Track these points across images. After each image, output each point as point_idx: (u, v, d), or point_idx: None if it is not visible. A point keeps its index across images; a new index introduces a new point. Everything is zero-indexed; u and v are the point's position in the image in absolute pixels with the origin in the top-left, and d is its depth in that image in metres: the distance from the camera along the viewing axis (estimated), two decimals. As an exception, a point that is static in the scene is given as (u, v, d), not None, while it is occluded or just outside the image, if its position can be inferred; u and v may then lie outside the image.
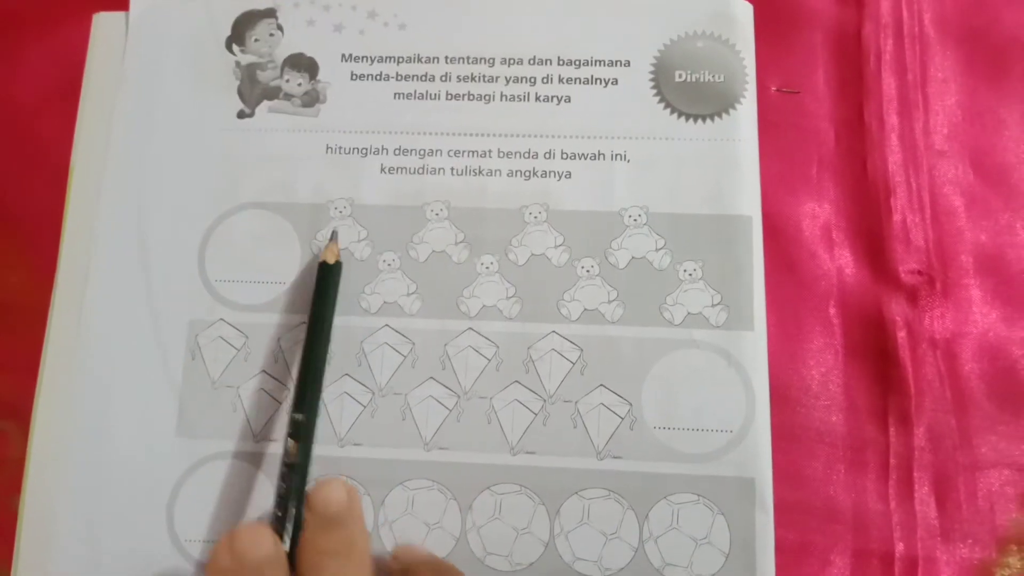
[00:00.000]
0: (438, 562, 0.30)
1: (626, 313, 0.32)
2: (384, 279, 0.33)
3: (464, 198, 0.33)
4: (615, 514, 0.31)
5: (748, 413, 0.31)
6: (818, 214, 0.34)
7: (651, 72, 0.34)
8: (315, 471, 0.31)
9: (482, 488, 0.31)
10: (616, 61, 0.34)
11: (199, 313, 0.33)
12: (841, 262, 0.33)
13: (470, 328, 0.32)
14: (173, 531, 0.31)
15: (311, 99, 0.35)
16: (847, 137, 0.34)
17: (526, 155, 0.34)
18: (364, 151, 0.34)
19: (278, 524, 0.28)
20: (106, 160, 0.34)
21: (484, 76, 0.35)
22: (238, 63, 0.35)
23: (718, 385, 0.31)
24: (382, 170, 0.34)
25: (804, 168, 0.34)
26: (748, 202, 0.33)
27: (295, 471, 0.29)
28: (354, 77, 0.35)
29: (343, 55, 0.35)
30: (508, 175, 0.34)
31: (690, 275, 0.32)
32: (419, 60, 0.35)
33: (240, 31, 0.35)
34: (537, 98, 0.34)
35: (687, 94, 0.34)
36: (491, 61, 0.35)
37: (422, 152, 0.34)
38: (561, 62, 0.35)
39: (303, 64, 0.35)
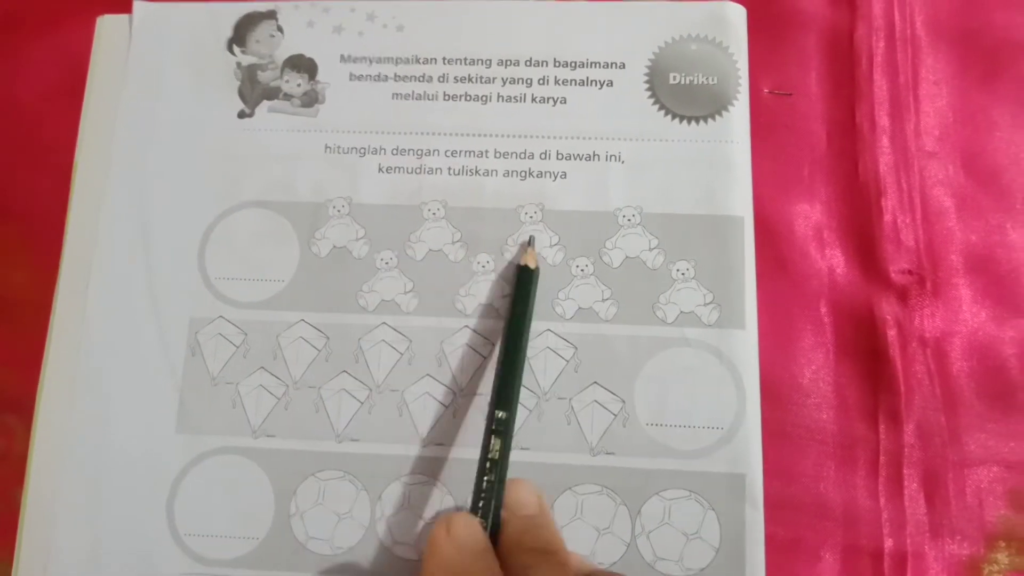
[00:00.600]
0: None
1: (620, 312, 0.33)
2: (382, 277, 0.33)
3: (461, 198, 0.34)
4: (608, 509, 0.31)
5: (739, 410, 0.32)
6: (810, 214, 0.34)
7: (646, 74, 0.35)
8: (306, 466, 0.32)
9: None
10: (611, 63, 0.35)
11: (199, 311, 0.33)
12: (832, 262, 0.34)
13: (466, 326, 0.33)
14: (173, 525, 0.32)
15: (310, 99, 0.35)
16: (839, 138, 0.35)
17: (522, 155, 0.34)
18: (362, 151, 0.35)
19: (481, 517, 0.27)
20: (109, 159, 0.35)
21: (481, 77, 0.35)
22: (239, 64, 0.36)
23: (710, 383, 0.32)
24: (380, 169, 0.34)
25: (796, 169, 0.34)
26: (740, 203, 0.33)
27: (497, 467, 0.28)
28: (353, 78, 0.35)
29: (342, 56, 0.36)
30: (504, 175, 0.34)
31: (683, 274, 0.33)
32: (417, 61, 0.35)
33: (241, 33, 0.36)
34: (533, 99, 0.35)
35: (681, 96, 0.34)
36: (488, 63, 0.35)
37: (419, 152, 0.34)
38: (557, 64, 0.35)
39: (303, 65, 0.36)
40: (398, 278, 0.33)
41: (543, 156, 0.34)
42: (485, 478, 0.28)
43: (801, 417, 0.32)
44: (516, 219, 0.34)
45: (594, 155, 0.34)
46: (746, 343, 0.32)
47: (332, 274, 0.33)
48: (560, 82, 0.35)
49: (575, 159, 0.34)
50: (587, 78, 0.35)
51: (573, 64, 0.35)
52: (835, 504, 0.32)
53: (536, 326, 0.33)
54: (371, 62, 0.35)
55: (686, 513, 0.31)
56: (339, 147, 0.35)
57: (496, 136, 0.34)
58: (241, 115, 0.35)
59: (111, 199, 0.35)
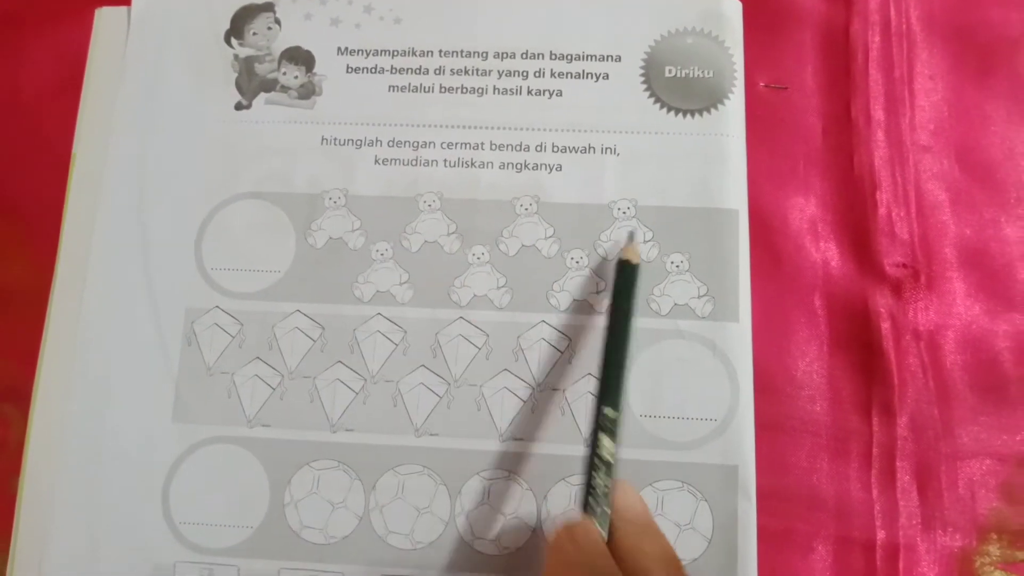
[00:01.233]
0: None
1: (614, 303, 0.33)
2: (377, 268, 0.34)
3: (456, 189, 0.34)
4: (601, 500, 0.31)
5: (732, 402, 0.32)
6: (804, 207, 0.34)
7: (641, 67, 0.35)
8: (301, 455, 0.32)
9: (471, 474, 0.32)
10: (607, 56, 0.35)
11: (195, 301, 0.34)
12: (827, 255, 0.34)
13: (461, 317, 0.33)
14: (169, 514, 0.32)
15: (307, 91, 0.35)
16: (834, 132, 0.35)
17: (518, 148, 0.34)
18: (359, 143, 0.35)
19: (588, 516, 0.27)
20: (107, 150, 0.35)
21: (477, 70, 0.35)
22: (236, 56, 0.36)
23: (703, 375, 0.32)
24: (376, 161, 0.35)
25: (791, 162, 0.35)
26: (735, 196, 0.33)
27: (611, 468, 0.27)
28: (350, 70, 0.36)
29: (339, 48, 0.36)
30: (500, 167, 0.34)
31: (677, 267, 0.33)
32: (414, 54, 0.36)
33: (239, 25, 0.36)
34: (529, 92, 0.35)
35: (676, 89, 0.35)
36: (484, 55, 0.35)
37: (415, 144, 0.35)
38: (553, 57, 0.35)
39: (300, 57, 0.36)
40: (393, 269, 0.34)
41: (539, 148, 0.34)
42: (599, 480, 0.27)
43: (794, 409, 0.32)
44: (511, 211, 0.34)
45: (589, 148, 0.34)
46: (740, 335, 0.32)
47: (328, 265, 0.34)
48: (556, 75, 0.35)
49: (570, 152, 0.34)
50: (583, 71, 0.35)
51: (569, 57, 0.35)
52: (828, 496, 0.32)
53: (531, 317, 0.33)
54: (368, 54, 0.36)
55: (679, 504, 0.31)
56: (336, 139, 0.35)
57: (492, 128, 0.35)
58: (238, 107, 0.35)
59: (109, 190, 0.35)
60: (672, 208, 0.33)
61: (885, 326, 0.33)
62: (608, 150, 0.34)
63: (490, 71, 0.35)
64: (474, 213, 0.34)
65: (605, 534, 0.26)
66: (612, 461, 0.27)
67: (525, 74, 0.35)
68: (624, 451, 0.31)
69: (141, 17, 0.36)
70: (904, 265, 0.33)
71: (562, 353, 0.32)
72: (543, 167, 0.34)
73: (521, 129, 0.35)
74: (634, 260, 0.31)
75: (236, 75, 0.36)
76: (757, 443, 0.32)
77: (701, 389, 0.32)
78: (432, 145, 0.35)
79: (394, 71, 0.35)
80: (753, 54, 0.35)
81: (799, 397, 0.33)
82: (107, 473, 0.32)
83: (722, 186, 0.33)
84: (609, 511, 0.26)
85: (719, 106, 0.34)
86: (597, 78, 0.35)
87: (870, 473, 0.32)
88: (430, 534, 0.31)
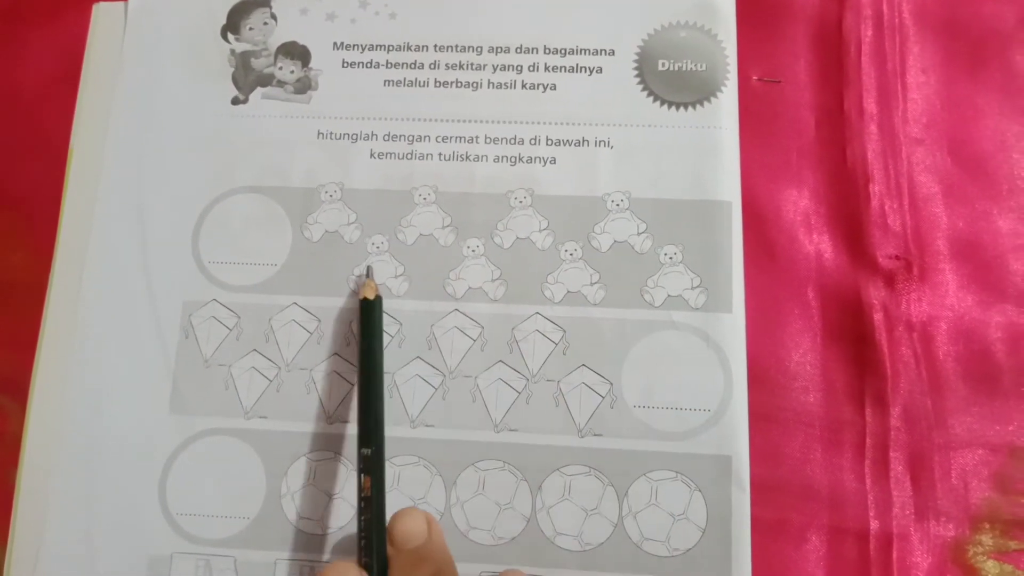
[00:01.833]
0: None
1: (608, 295, 0.33)
2: (373, 261, 0.34)
3: (451, 183, 0.34)
4: (595, 490, 0.31)
5: (726, 393, 0.32)
6: (798, 200, 0.34)
7: (635, 61, 0.35)
8: (298, 447, 0.32)
9: (466, 464, 0.32)
10: (601, 50, 0.35)
11: (193, 294, 0.34)
12: (820, 247, 0.34)
13: (456, 309, 0.33)
14: (165, 505, 0.32)
15: (303, 86, 0.36)
16: (827, 125, 0.35)
17: (512, 141, 0.35)
18: (354, 137, 0.35)
19: (365, 558, 0.28)
20: (104, 145, 0.35)
21: (472, 64, 0.35)
22: (233, 51, 0.36)
23: (697, 366, 0.32)
24: (372, 155, 0.35)
25: (784, 155, 0.35)
26: (728, 188, 0.34)
27: (370, 504, 0.28)
28: (345, 65, 0.36)
29: (335, 43, 0.36)
30: (494, 160, 0.34)
31: (670, 258, 0.33)
32: (409, 48, 0.36)
33: (235, 20, 0.36)
34: (523, 86, 0.35)
35: (670, 82, 0.35)
36: (479, 49, 0.36)
37: (411, 138, 0.35)
38: (547, 51, 0.35)
39: (296, 52, 0.36)
40: (389, 262, 0.34)
41: (533, 142, 0.35)
42: (362, 517, 0.28)
43: (788, 400, 0.33)
44: (506, 204, 0.34)
45: (583, 141, 0.34)
46: (733, 327, 0.32)
47: (324, 258, 0.34)
48: (550, 69, 0.35)
49: (564, 145, 0.34)
50: (577, 65, 0.35)
51: (563, 51, 0.35)
52: (821, 486, 0.32)
53: (525, 309, 0.33)
54: (363, 49, 0.36)
55: (673, 494, 0.31)
56: (331, 133, 0.35)
57: (486, 122, 0.35)
58: (235, 101, 0.36)
59: (107, 184, 0.35)
60: (666, 200, 0.34)
61: (878, 317, 0.33)
62: (602, 143, 0.34)
63: (485, 65, 0.35)
64: (469, 206, 0.34)
65: (376, 572, 0.27)
66: (373, 497, 0.28)
67: (519, 68, 0.35)
68: (618, 442, 0.32)
69: (138, 12, 0.37)
70: (897, 257, 0.34)
71: (556, 344, 0.33)
72: (537, 160, 0.34)
73: (515, 123, 0.35)
74: (371, 296, 0.32)
75: (232, 70, 0.36)
76: (751, 434, 0.32)
77: (695, 380, 0.32)
78: (427, 139, 0.35)
79: (389, 66, 0.36)
80: (746, 48, 0.35)
81: (792, 388, 0.33)
82: (104, 464, 0.33)
83: (715, 178, 0.34)
84: (386, 546, 0.27)
85: (712, 99, 0.34)
86: (591, 72, 0.35)
87: (863, 463, 0.32)
88: (425, 525, 0.32)
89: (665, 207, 0.34)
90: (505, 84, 0.35)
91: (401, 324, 0.33)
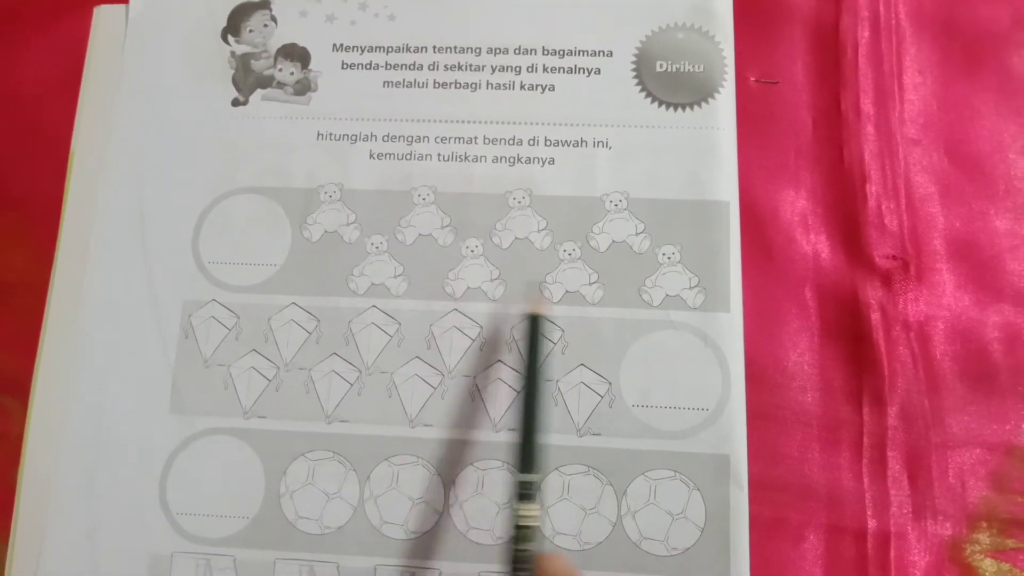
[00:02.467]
0: None
1: (606, 295, 0.33)
2: (372, 261, 0.34)
3: (450, 183, 0.35)
4: (594, 489, 0.32)
5: (724, 392, 0.32)
6: (795, 200, 0.35)
7: (633, 62, 0.35)
8: (297, 446, 0.32)
9: (465, 464, 0.32)
10: (599, 51, 0.35)
11: (193, 294, 0.34)
12: (817, 247, 0.34)
13: (455, 309, 0.33)
14: (166, 504, 0.32)
15: (303, 87, 0.36)
16: (824, 126, 0.35)
17: (511, 142, 0.35)
18: (354, 137, 0.35)
19: None
20: (106, 146, 0.35)
21: (471, 65, 0.36)
22: (233, 53, 0.36)
23: (695, 365, 0.32)
24: (371, 156, 0.35)
25: (782, 156, 0.35)
26: (725, 188, 0.34)
27: (532, 535, 0.27)
28: (345, 66, 0.36)
29: (334, 45, 0.36)
30: (493, 161, 0.35)
31: (668, 258, 0.33)
32: (408, 50, 0.36)
33: (235, 22, 0.37)
34: (522, 87, 0.35)
35: (667, 84, 0.35)
36: (477, 51, 0.36)
37: (410, 139, 0.35)
38: (546, 52, 0.36)
39: (296, 54, 0.36)
40: (388, 262, 0.34)
41: (531, 142, 0.35)
42: (520, 547, 0.27)
43: (786, 399, 0.33)
44: (504, 204, 0.34)
45: (581, 141, 0.35)
46: (731, 326, 0.33)
47: (323, 258, 0.34)
48: (548, 70, 0.35)
49: (563, 145, 0.35)
50: (575, 66, 0.35)
51: (561, 52, 0.35)
52: (819, 485, 0.32)
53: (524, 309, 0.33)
54: (363, 51, 0.36)
55: (671, 493, 0.31)
56: (331, 134, 0.35)
57: (485, 123, 0.35)
58: (235, 103, 0.36)
59: (108, 185, 0.35)
60: (663, 200, 0.34)
61: (875, 317, 0.33)
62: (600, 143, 0.35)
63: (483, 66, 0.36)
64: (467, 206, 0.34)
65: None
66: (534, 526, 0.27)
67: (518, 69, 0.35)
68: (617, 441, 0.32)
69: (139, 15, 0.37)
70: (894, 257, 0.34)
71: (555, 344, 0.33)
72: (536, 161, 0.35)
73: (514, 123, 0.35)
74: (541, 312, 0.31)
75: (233, 72, 0.36)
76: (749, 433, 0.32)
77: (693, 379, 0.32)
78: (426, 139, 0.35)
79: (388, 67, 0.36)
80: (744, 49, 0.35)
81: (790, 387, 0.33)
82: (105, 464, 0.33)
83: (713, 178, 0.34)
84: None
85: (710, 100, 0.35)
86: (589, 73, 0.35)
87: (861, 462, 0.32)
88: (424, 524, 0.32)
89: (663, 207, 0.34)
90: (504, 85, 0.35)
91: (400, 324, 0.33)
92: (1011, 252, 0.34)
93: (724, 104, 0.35)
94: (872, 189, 0.34)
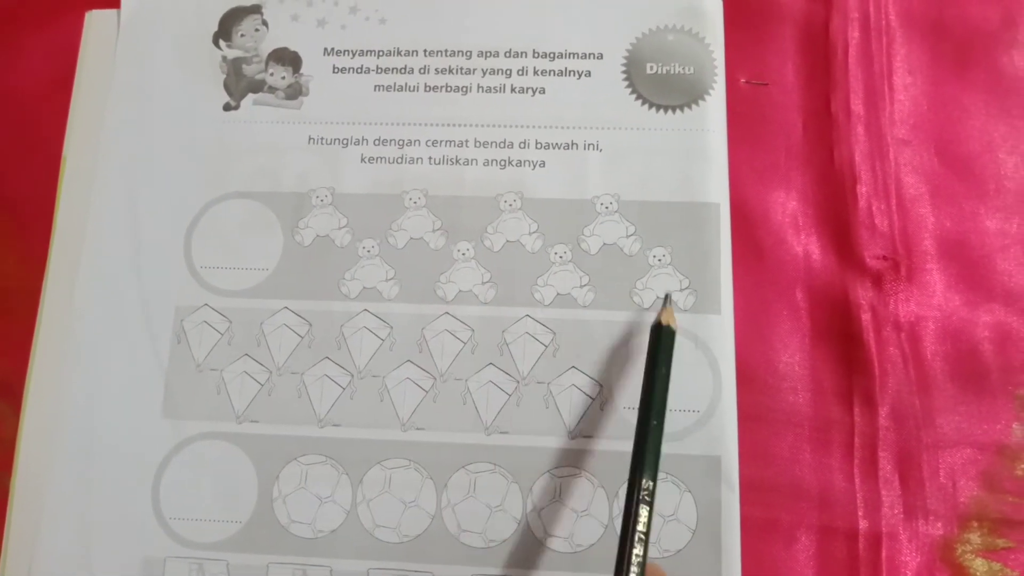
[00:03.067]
0: None
1: (597, 297, 0.33)
2: (363, 265, 0.34)
3: (441, 186, 0.35)
4: (586, 492, 0.32)
5: (715, 394, 0.32)
6: (786, 201, 0.35)
7: (623, 64, 0.35)
8: (289, 450, 0.32)
9: (457, 467, 0.32)
10: (589, 54, 0.35)
11: (185, 299, 0.34)
12: (808, 248, 0.34)
13: (447, 312, 0.33)
14: (158, 508, 0.32)
15: (294, 92, 0.36)
16: (814, 127, 0.35)
17: (502, 145, 0.35)
18: (345, 141, 0.35)
19: None
20: (98, 151, 0.36)
21: (461, 69, 0.36)
22: (224, 57, 0.36)
23: (686, 366, 0.32)
24: (362, 160, 0.35)
25: (772, 157, 0.35)
26: (716, 190, 0.34)
27: (647, 540, 0.27)
28: (336, 70, 0.36)
29: (325, 49, 0.36)
30: (484, 164, 0.35)
31: (659, 260, 0.33)
32: (399, 54, 0.36)
33: (227, 27, 0.37)
34: (513, 90, 0.35)
35: (658, 86, 0.35)
36: (468, 54, 0.36)
37: (401, 142, 0.35)
38: (536, 55, 0.36)
39: (287, 58, 0.36)
40: (380, 266, 0.34)
41: (522, 145, 0.35)
42: (635, 552, 0.26)
43: (777, 400, 0.33)
44: (496, 207, 0.34)
45: (572, 144, 0.35)
46: (722, 328, 0.33)
47: (315, 262, 0.34)
48: (539, 72, 0.35)
49: (554, 148, 0.35)
50: (565, 68, 0.35)
51: (552, 55, 0.36)
52: (810, 486, 0.32)
53: (515, 312, 0.33)
54: (354, 55, 0.36)
55: (663, 495, 0.31)
56: (322, 138, 0.35)
57: (476, 126, 0.35)
58: (227, 107, 0.36)
59: (100, 189, 0.35)
60: (654, 203, 0.34)
61: (866, 318, 0.33)
62: (591, 146, 0.35)
63: (474, 70, 0.36)
64: (459, 209, 0.34)
65: None
66: (648, 532, 0.27)
67: (509, 72, 0.36)
68: (607, 443, 0.32)
69: (131, 19, 0.37)
70: (884, 257, 0.34)
71: (546, 347, 0.33)
72: (527, 164, 0.35)
73: (505, 126, 0.35)
74: (672, 325, 0.30)
75: (224, 76, 0.36)
76: (740, 434, 0.32)
77: (683, 380, 0.32)
78: (417, 143, 0.35)
79: (379, 71, 0.36)
80: (734, 51, 0.35)
81: (781, 388, 0.33)
82: (98, 469, 0.33)
83: (703, 180, 0.34)
84: None
85: (700, 102, 0.35)
86: (580, 75, 0.35)
87: (852, 463, 0.32)
88: (417, 528, 0.32)
89: (654, 209, 0.34)
90: (494, 88, 0.35)
91: (392, 327, 0.33)
92: (1001, 252, 0.34)
93: (714, 106, 0.35)
94: (862, 190, 0.34)
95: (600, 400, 0.32)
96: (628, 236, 0.34)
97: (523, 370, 0.33)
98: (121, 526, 0.32)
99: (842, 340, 0.33)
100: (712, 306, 0.33)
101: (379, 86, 0.36)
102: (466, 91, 0.35)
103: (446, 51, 0.36)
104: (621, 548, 0.27)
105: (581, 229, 0.34)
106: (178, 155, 0.35)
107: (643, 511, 0.27)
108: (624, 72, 0.35)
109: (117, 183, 0.35)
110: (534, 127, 0.35)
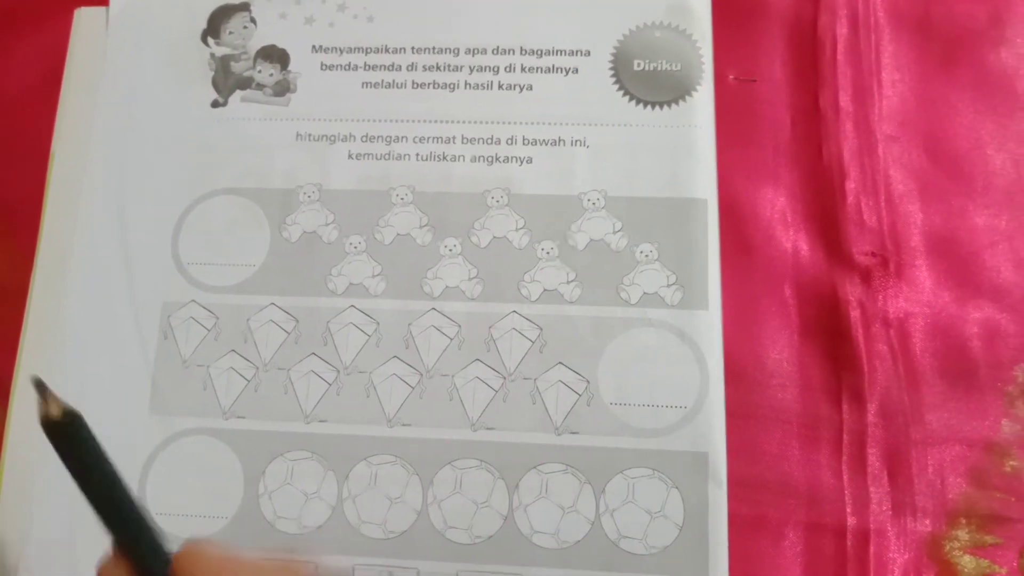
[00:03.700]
0: None
1: (584, 293, 0.33)
2: (350, 261, 0.34)
3: (429, 183, 0.35)
4: (572, 488, 0.31)
5: (702, 390, 0.32)
6: (774, 198, 0.35)
7: (610, 61, 0.35)
8: (275, 446, 0.32)
9: (443, 463, 0.32)
10: (576, 51, 0.36)
11: (172, 295, 0.34)
12: (796, 244, 0.34)
13: (433, 308, 0.33)
14: (145, 504, 0.32)
15: (282, 89, 0.36)
16: (803, 123, 0.35)
17: (489, 141, 0.35)
18: (332, 138, 0.35)
19: None
20: (86, 147, 0.36)
21: (449, 66, 0.36)
22: (213, 55, 0.37)
23: (673, 362, 0.32)
24: (350, 156, 0.35)
25: (761, 154, 0.35)
26: (703, 186, 0.34)
27: None
28: (324, 68, 0.36)
29: (313, 46, 0.36)
30: (471, 160, 0.35)
31: (646, 256, 0.33)
32: (386, 51, 0.36)
33: (215, 24, 0.37)
34: (500, 86, 0.35)
35: (645, 82, 0.35)
36: (456, 51, 0.36)
37: (388, 139, 0.35)
38: (523, 52, 0.36)
39: (275, 55, 0.36)
40: (366, 262, 0.34)
41: (509, 142, 0.35)
42: None
43: (765, 397, 0.33)
44: (483, 203, 0.34)
45: (559, 140, 0.35)
46: (709, 324, 0.33)
47: (302, 258, 0.34)
48: (526, 69, 0.35)
49: (541, 144, 0.35)
50: (553, 65, 0.35)
51: (539, 52, 0.36)
52: (798, 482, 0.32)
53: (502, 308, 0.33)
54: (341, 52, 0.36)
55: (650, 491, 0.31)
56: (310, 135, 0.35)
57: (463, 123, 0.35)
58: (215, 104, 0.36)
59: (88, 186, 0.35)
60: (641, 198, 0.34)
61: (855, 314, 0.33)
62: (578, 142, 0.35)
63: (461, 67, 0.36)
64: (446, 206, 0.34)
65: None
66: None
67: (496, 69, 0.36)
68: (594, 439, 0.32)
69: (119, 17, 0.37)
70: (873, 254, 0.34)
71: (533, 343, 0.33)
72: (514, 160, 0.35)
73: (492, 123, 0.35)
74: (55, 414, 0.23)
75: (212, 73, 0.36)
76: (728, 431, 0.32)
77: (671, 377, 0.32)
78: (404, 140, 0.35)
79: (367, 68, 0.36)
80: (722, 47, 0.35)
81: (769, 385, 0.33)
82: (84, 465, 0.33)
83: (691, 176, 0.34)
84: None
85: (687, 98, 0.35)
86: (567, 72, 0.35)
87: (840, 460, 0.32)
88: (403, 524, 0.32)
89: (641, 205, 0.34)
90: (482, 85, 0.35)
91: (378, 323, 0.33)
92: (990, 248, 0.34)
93: (702, 102, 0.35)
94: (851, 186, 0.34)
95: (587, 396, 0.32)
96: (615, 232, 0.34)
97: (510, 366, 0.33)
98: (107, 522, 0.32)
99: (831, 336, 0.33)
100: (699, 302, 0.33)
101: (367, 83, 0.36)
102: (453, 88, 0.35)
103: (433, 48, 0.36)
104: None
105: (568, 225, 0.34)
106: (166, 152, 0.36)
107: None
108: (611, 69, 0.35)
109: (105, 179, 0.35)
110: (521, 124, 0.35)
